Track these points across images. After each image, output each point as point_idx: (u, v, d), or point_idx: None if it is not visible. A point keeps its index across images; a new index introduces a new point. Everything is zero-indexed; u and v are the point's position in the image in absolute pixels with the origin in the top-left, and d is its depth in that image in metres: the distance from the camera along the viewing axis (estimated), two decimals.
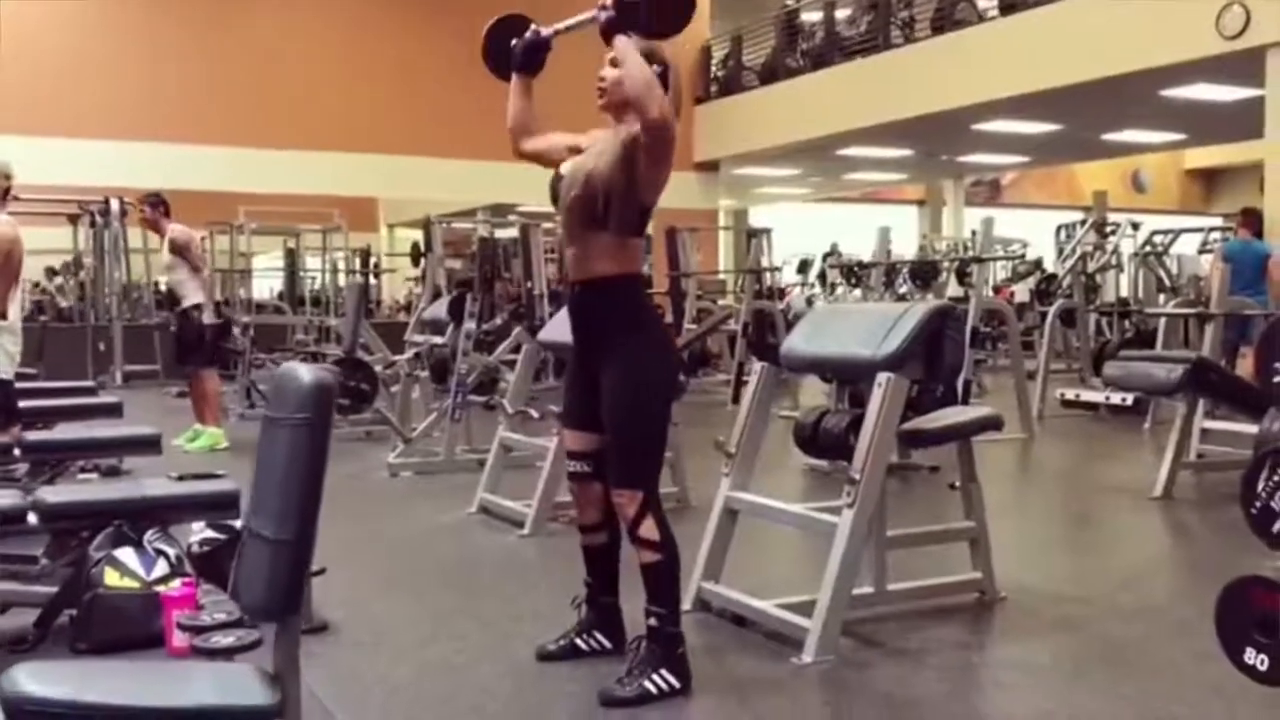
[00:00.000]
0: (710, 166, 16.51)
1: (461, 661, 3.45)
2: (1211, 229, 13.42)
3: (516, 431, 5.65)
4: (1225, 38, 9.32)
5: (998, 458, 7.79)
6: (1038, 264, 17.29)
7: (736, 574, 3.92)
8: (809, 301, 20.36)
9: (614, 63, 3.14)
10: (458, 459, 6.82)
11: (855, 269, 16.91)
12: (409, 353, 7.52)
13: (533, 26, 3.37)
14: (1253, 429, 5.95)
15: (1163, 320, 9.14)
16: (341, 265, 15.50)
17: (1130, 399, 5.47)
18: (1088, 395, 5.81)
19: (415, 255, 12.63)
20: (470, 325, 6.81)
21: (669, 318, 13.35)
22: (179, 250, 7.73)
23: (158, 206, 7.93)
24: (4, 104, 13.05)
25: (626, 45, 3.03)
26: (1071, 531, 5.59)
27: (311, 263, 16.25)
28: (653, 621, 3.13)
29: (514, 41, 3.37)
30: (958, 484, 4.01)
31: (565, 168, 3.25)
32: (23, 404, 5.68)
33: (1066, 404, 5.95)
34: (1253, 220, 8.88)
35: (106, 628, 3.49)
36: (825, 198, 22.87)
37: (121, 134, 13.59)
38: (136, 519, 3.69)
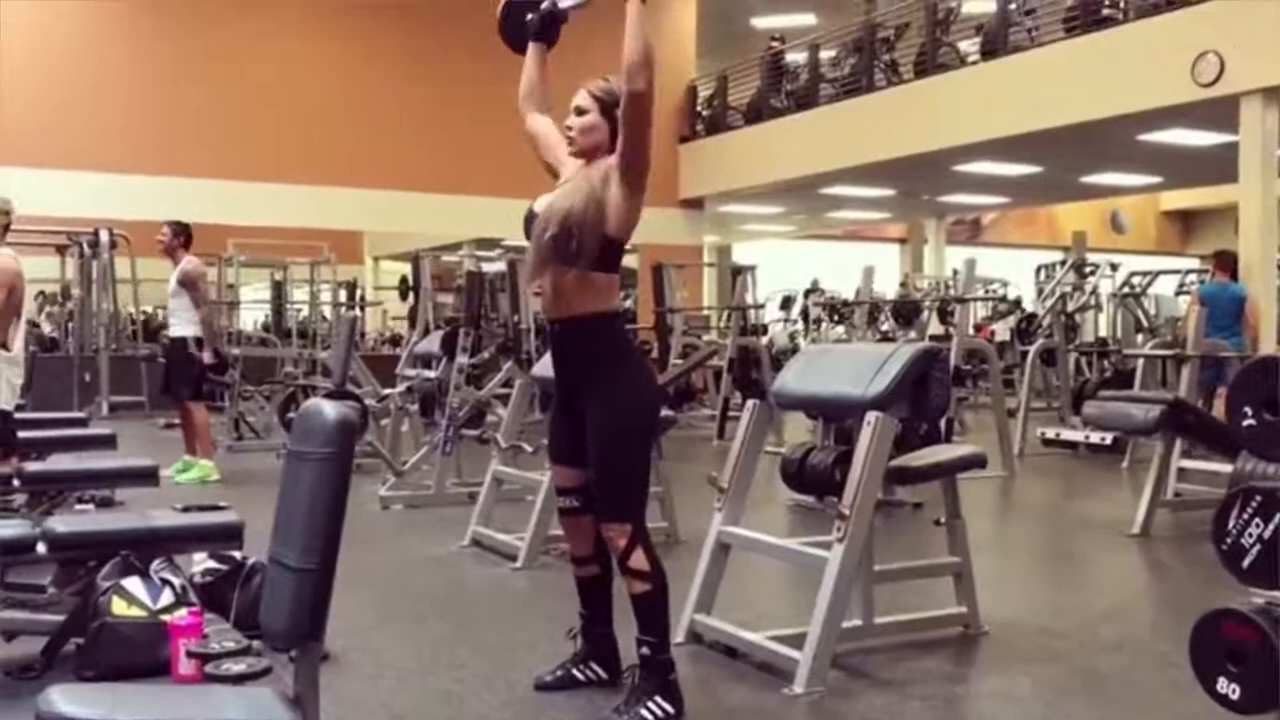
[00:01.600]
0: (695, 204, 16.71)
1: (461, 690, 3.53)
2: (1188, 271, 13.65)
3: (509, 465, 5.74)
4: (1200, 85, 9.55)
5: (980, 494, 7.92)
6: (1017, 303, 17.51)
7: (728, 606, 4.03)
8: (791, 338, 20.55)
9: (579, 110, 3.26)
10: (448, 492, 6.91)
11: (839, 307, 17.14)
12: (401, 386, 7.61)
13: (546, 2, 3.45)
14: (1228, 468, 6.12)
15: (1141, 361, 9.31)
16: (328, 298, 15.60)
17: (1109, 438, 5.60)
18: (1068, 434, 5.94)
19: (404, 290, 12.74)
20: (463, 359, 6.92)
21: (655, 353, 13.54)
22: (186, 283, 7.82)
23: (179, 235, 8.00)
24: None
25: (636, 11, 3.02)
26: (1053, 567, 5.71)
27: (298, 294, 16.35)
28: (645, 650, 3.22)
29: (529, 16, 3.47)
30: (943, 520, 4.13)
31: (539, 205, 3.31)
32: (19, 434, 5.75)
33: (1047, 442, 6.08)
34: (1227, 262, 9.09)
35: (113, 655, 3.54)
36: (808, 235, 23.09)
37: (111, 166, 13.67)
38: (143, 549, 3.76)
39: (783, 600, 4.67)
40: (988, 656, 3.92)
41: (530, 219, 3.35)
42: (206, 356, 7.78)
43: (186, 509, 4.06)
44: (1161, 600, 5.01)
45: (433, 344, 7.43)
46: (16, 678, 3.58)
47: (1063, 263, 15.95)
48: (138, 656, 3.57)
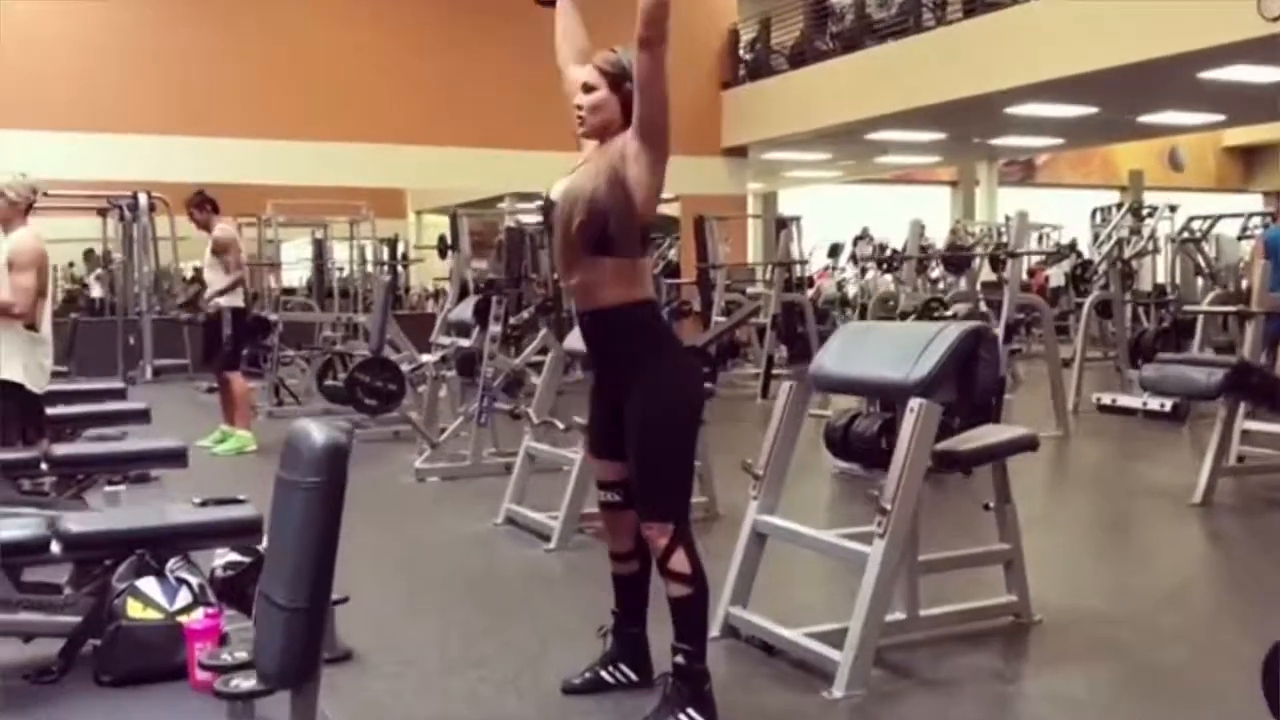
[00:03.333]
0: (738, 151, 16.37)
1: (487, 693, 3.40)
2: (1251, 214, 13.16)
3: (542, 441, 5.59)
4: (1267, 19, 9.11)
5: (1033, 457, 7.67)
6: (1072, 246, 17.08)
7: (766, 595, 3.85)
8: (839, 286, 20.23)
9: (587, 88, 3.06)
10: (485, 463, 6.77)
11: (889, 258, 16.76)
12: (436, 355, 7.47)
13: None
14: None
15: (1207, 298, 8.94)
16: (369, 255, 15.49)
17: (1168, 405, 5.32)
18: (1124, 400, 5.69)
19: (442, 249, 12.55)
20: (496, 329, 6.76)
21: (697, 308, 13.31)
22: (220, 249, 7.74)
23: (203, 206, 7.92)
24: (34, 99, 13.11)
25: None
26: (1107, 541, 5.47)
27: (339, 251, 16.25)
28: (680, 659, 3.06)
29: None
30: (992, 505, 3.93)
31: (556, 193, 3.13)
32: (50, 410, 5.68)
33: (1103, 408, 5.81)
34: None
35: (130, 660, 3.44)
36: (856, 180, 22.66)
37: (149, 128, 13.59)
38: (159, 547, 3.65)
39: (824, 587, 4.47)
40: (1040, 651, 3.72)
41: (549, 207, 3.16)
42: (239, 301, 7.74)
43: (204, 503, 3.95)
44: (1225, 580, 4.76)
45: (466, 311, 7.27)
46: (34, 681, 3.50)
47: (1119, 205, 15.52)
48: (155, 660, 3.46)
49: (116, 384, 7.97)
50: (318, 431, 2.06)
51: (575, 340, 5.16)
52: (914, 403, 3.37)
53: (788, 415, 3.84)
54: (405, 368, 8.29)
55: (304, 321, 10.48)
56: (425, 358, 8.24)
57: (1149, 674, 3.50)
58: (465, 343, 7.17)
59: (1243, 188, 25.16)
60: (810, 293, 15.06)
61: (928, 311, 7.28)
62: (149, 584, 3.59)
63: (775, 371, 10.49)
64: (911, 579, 3.70)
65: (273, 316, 9.77)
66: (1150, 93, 12.72)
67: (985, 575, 4.04)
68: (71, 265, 17.98)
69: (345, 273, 16.14)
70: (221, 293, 7.75)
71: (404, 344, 9.21)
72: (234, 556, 4.08)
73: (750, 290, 13.69)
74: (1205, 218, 12.67)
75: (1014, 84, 11.99)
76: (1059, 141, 18.22)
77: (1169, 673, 3.52)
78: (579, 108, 3.06)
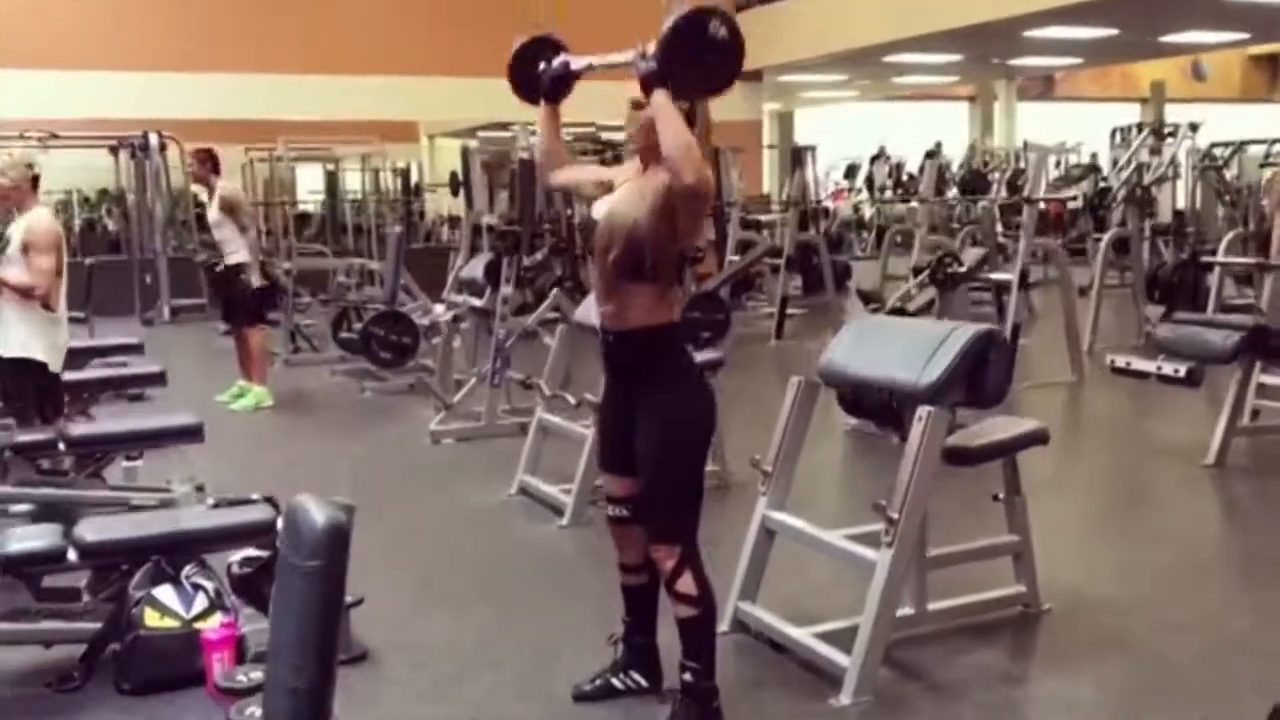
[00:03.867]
0: (754, 75, 16.09)
1: (498, 700, 3.45)
2: (1275, 140, 12.91)
3: (554, 413, 5.60)
4: None
5: (1047, 405, 7.65)
6: (1092, 167, 16.84)
7: (777, 579, 3.88)
8: (855, 209, 20.06)
9: (637, 105, 3.02)
10: (499, 423, 6.80)
11: (904, 181, 16.56)
12: (448, 315, 7.46)
13: (563, 56, 3.23)
14: None
15: (1224, 240, 8.82)
16: (383, 184, 15.37)
17: (1182, 370, 5.29)
18: (1138, 364, 5.63)
19: (454, 186, 12.47)
20: (507, 290, 6.74)
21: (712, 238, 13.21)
22: (227, 209, 7.69)
23: (206, 163, 7.87)
24: (40, 37, 12.99)
25: (665, 102, 2.86)
26: (1117, 511, 5.42)
27: (352, 180, 16.13)
28: (687, 676, 3.10)
29: (541, 66, 3.23)
30: (1001, 496, 3.93)
31: (599, 212, 3.11)
32: (67, 375, 5.69)
33: (1116, 370, 5.78)
34: None
35: (149, 669, 3.53)
36: (873, 98, 22.33)
37: (157, 65, 13.46)
38: (174, 553, 3.70)
39: (834, 573, 4.47)
40: (1048, 647, 3.75)
41: (588, 226, 3.16)
42: (255, 279, 7.67)
43: (217, 505, 3.99)
44: (1236, 560, 4.71)
45: (477, 270, 7.24)
46: (56, 689, 3.57)
47: (1139, 126, 15.23)
48: (173, 668, 3.54)
49: (133, 339, 7.99)
50: (317, 512, 2.05)
51: (585, 313, 5.16)
52: (922, 411, 3.35)
53: (795, 412, 3.83)
54: (418, 319, 8.30)
55: (318, 269, 10.42)
56: (438, 308, 8.24)
57: (1158, 670, 3.51)
58: (477, 302, 7.15)
59: (1269, 98, 24.70)
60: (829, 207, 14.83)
61: (941, 266, 7.20)
62: (165, 592, 3.65)
63: (789, 311, 10.45)
64: (920, 574, 3.72)
65: (286, 265, 9.75)
66: (1173, 13, 12.46)
67: (994, 564, 4.04)
68: (88, 201, 17.94)
69: (359, 198, 16.03)
70: (243, 266, 7.67)
71: (417, 292, 9.21)
72: (251, 552, 4.11)
73: (764, 219, 13.57)
74: (1227, 144, 12.44)
75: (1034, 8, 11.74)
76: (1078, 61, 17.89)
77: (1179, 669, 3.53)
78: (630, 130, 3.10)
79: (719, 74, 2.94)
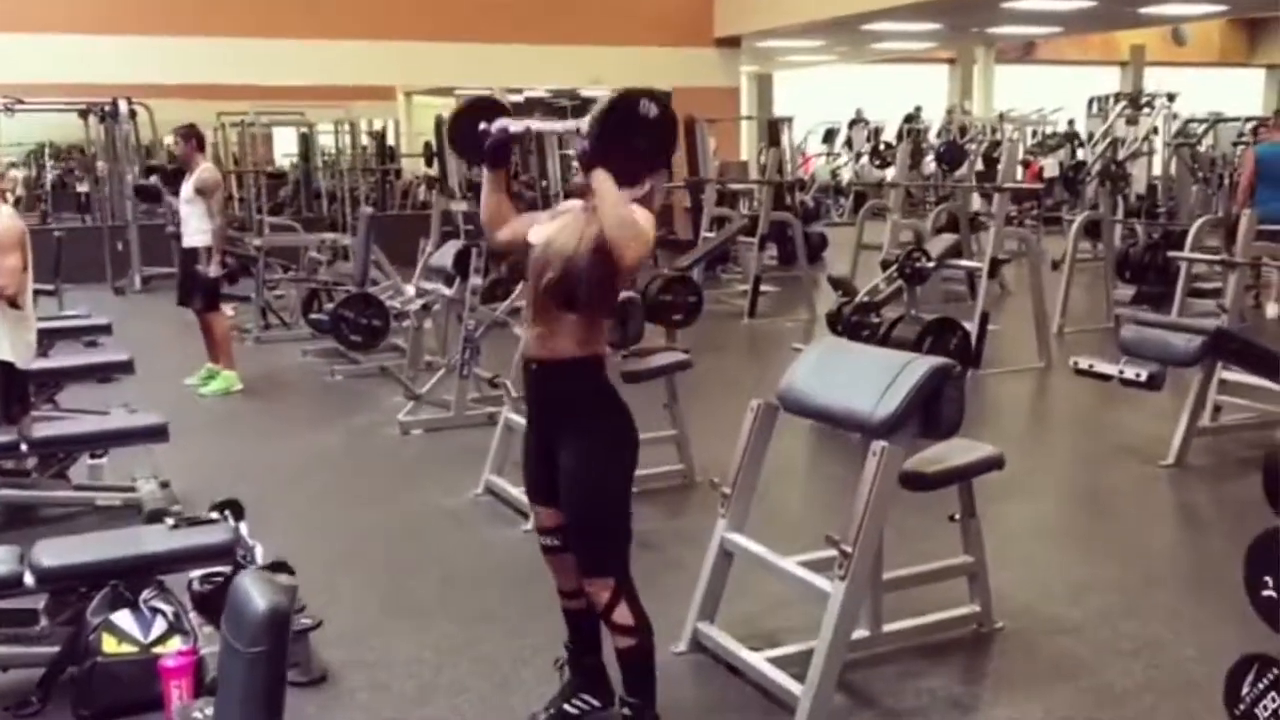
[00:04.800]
0: (731, 42, 15.98)
1: None
2: (1248, 119, 12.93)
3: (520, 413, 5.59)
4: None
5: (1012, 394, 7.72)
6: (1070, 136, 16.84)
7: (736, 598, 3.94)
8: (833, 174, 20.02)
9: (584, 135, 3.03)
10: (468, 414, 6.81)
11: (880, 150, 16.45)
12: (417, 303, 7.44)
13: (500, 122, 3.22)
14: (1273, 386, 5.87)
15: (1192, 229, 8.87)
16: (357, 144, 15.18)
17: (1144, 375, 5.33)
18: (1101, 366, 5.67)
19: (428, 155, 12.40)
20: (476, 280, 6.72)
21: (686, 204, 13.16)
22: (203, 190, 7.62)
23: (189, 139, 7.80)
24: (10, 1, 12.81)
25: (604, 182, 2.91)
26: (1074, 520, 5.41)
27: (326, 139, 15.95)
28: (627, 711, 3.16)
29: (481, 126, 3.22)
30: (957, 517, 3.97)
31: (537, 238, 3.15)
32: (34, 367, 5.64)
33: (1079, 373, 5.82)
34: None
35: (107, 695, 3.54)
36: (852, 61, 22.21)
37: (127, 28, 13.30)
38: (133, 577, 3.71)
39: (799, 589, 4.52)
40: (999, 671, 3.80)
41: (524, 249, 3.18)
42: (213, 270, 7.62)
43: (176, 525, 3.99)
44: (1188, 572, 4.75)
45: (446, 258, 7.21)
46: (15, 715, 3.59)
47: (1117, 96, 15.23)
48: (132, 694, 3.55)
49: (102, 319, 7.95)
50: (259, 595, 2.07)
51: None
52: (876, 446, 3.38)
53: (755, 436, 3.85)
54: (389, 300, 8.27)
55: (289, 246, 10.35)
56: (409, 289, 8.21)
57: (1106, 703, 3.56)
58: (447, 291, 7.13)
59: (1246, 61, 24.71)
60: (805, 176, 14.73)
61: (909, 260, 7.21)
62: (123, 617, 3.65)
63: (763, 289, 10.45)
64: (875, 597, 3.77)
65: (257, 241, 9.69)
66: None
67: (950, 581, 4.09)
68: (59, 155, 17.68)
69: (333, 158, 15.85)
70: (210, 251, 7.61)
71: (389, 271, 9.17)
72: (212, 569, 4.13)
73: (739, 188, 13.50)
74: (1202, 121, 12.46)
75: None
76: (1057, 30, 17.82)
77: (1124, 697, 3.59)
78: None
79: (653, 151, 3.01)
